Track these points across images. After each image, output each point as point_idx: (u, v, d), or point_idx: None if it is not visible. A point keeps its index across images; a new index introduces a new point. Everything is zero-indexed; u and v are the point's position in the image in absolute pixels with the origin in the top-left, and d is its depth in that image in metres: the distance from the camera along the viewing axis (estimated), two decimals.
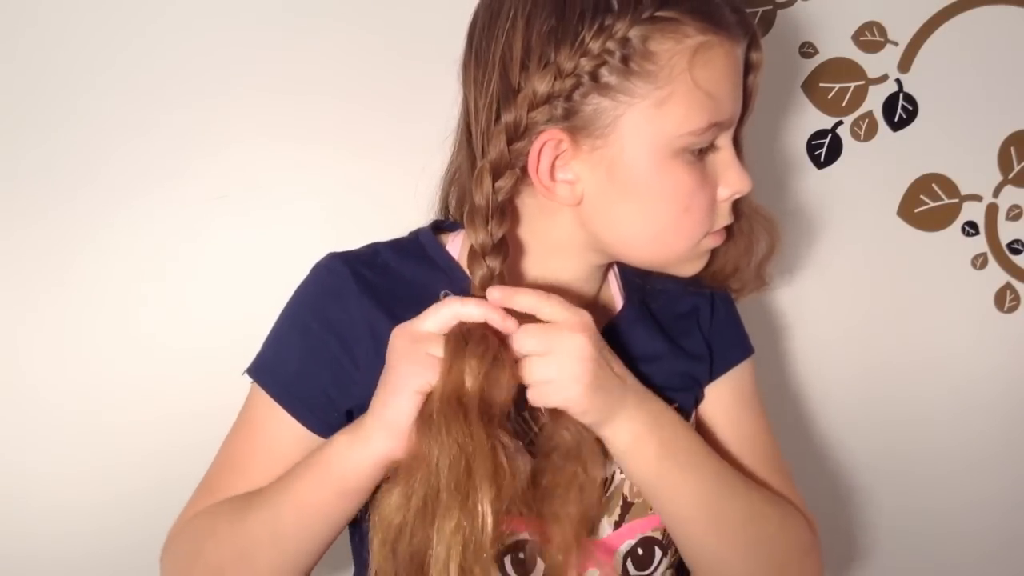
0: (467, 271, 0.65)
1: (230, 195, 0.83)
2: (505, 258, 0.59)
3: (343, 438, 0.59)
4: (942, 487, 1.06)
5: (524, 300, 0.58)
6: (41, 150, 0.79)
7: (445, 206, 0.74)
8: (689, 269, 0.66)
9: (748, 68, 0.62)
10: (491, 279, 0.58)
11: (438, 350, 0.56)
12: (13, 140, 0.78)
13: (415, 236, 0.69)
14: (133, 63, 0.79)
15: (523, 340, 0.57)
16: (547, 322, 0.58)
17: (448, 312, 0.57)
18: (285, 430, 0.64)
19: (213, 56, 0.80)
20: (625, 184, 0.59)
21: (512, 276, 0.63)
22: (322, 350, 0.64)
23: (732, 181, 0.61)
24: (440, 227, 0.71)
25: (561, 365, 0.57)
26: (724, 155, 0.61)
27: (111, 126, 0.80)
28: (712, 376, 0.73)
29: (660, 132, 0.57)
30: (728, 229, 0.67)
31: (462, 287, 0.65)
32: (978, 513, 1.07)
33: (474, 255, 0.59)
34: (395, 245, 0.68)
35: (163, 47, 0.79)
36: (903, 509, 1.06)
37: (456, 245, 0.68)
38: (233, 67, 0.81)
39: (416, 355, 0.56)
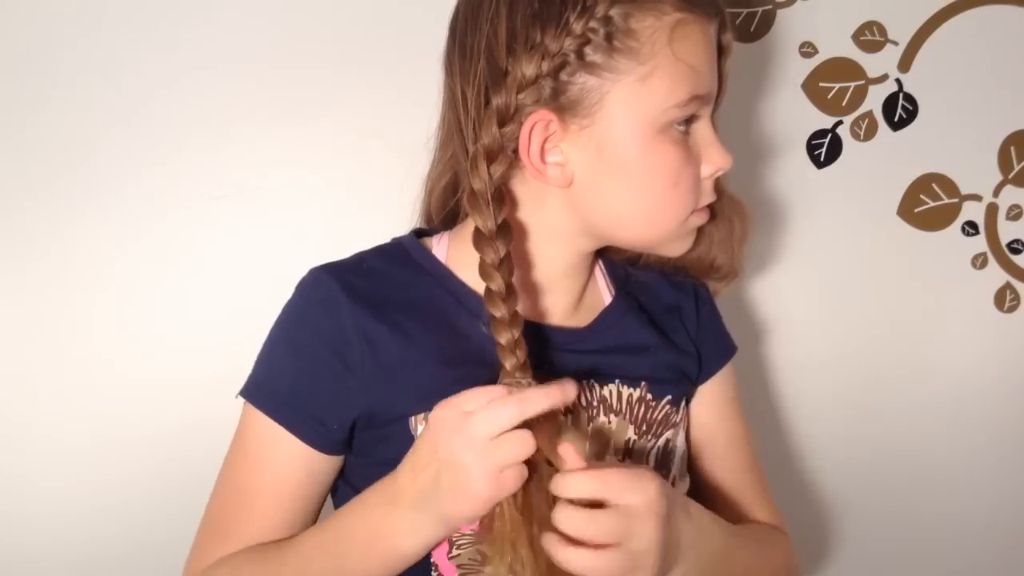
0: (455, 272, 0.66)
1: (228, 196, 0.82)
2: (509, 242, 0.59)
3: (390, 521, 0.57)
4: (940, 490, 1.04)
5: (587, 487, 0.54)
6: (38, 151, 0.79)
7: (428, 213, 0.74)
8: (678, 248, 0.67)
9: (720, 51, 0.64)
10: (499, 263, 0.59)
11: (511, 452, 0.53)
12: (11, 141, 0.78)
13: (397, 242, 0.69)
14: (131, 63, 0.79)
15: (591, 527, 0.53)
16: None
17: (513, 413, 0.53)
18: (286, 451, 0.63)
19: (211, 56, 0.80)
20: (614, 162, 0.60)
21: (518, 259, 0.63)
22: (315, 363, 0.63)
23: (714, 158, 0.62)
24: (422, 234, 0.71)
25: (634, 559, 0.54)
26: (705, 133, 0.62)
27: (108, 126, 0.80)
28: (700, 379, 0.74)
29: (646, 107, 0.59)
30: (711, 214, 0.68)
31: (450, 288, 0.65)
32: (977, 516, 1.05)
33: (481, 237, 0.59)
34: (378, 252, 0.68)
35: (161, 47, 0.79)
36: (901, 511, 1.04)
37: (442, 248, 0.67)
38: (231, 67, 0.81)
39: (488, 462, 0.53)
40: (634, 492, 0.54)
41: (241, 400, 0.65)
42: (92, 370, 0.82)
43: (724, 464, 0.76)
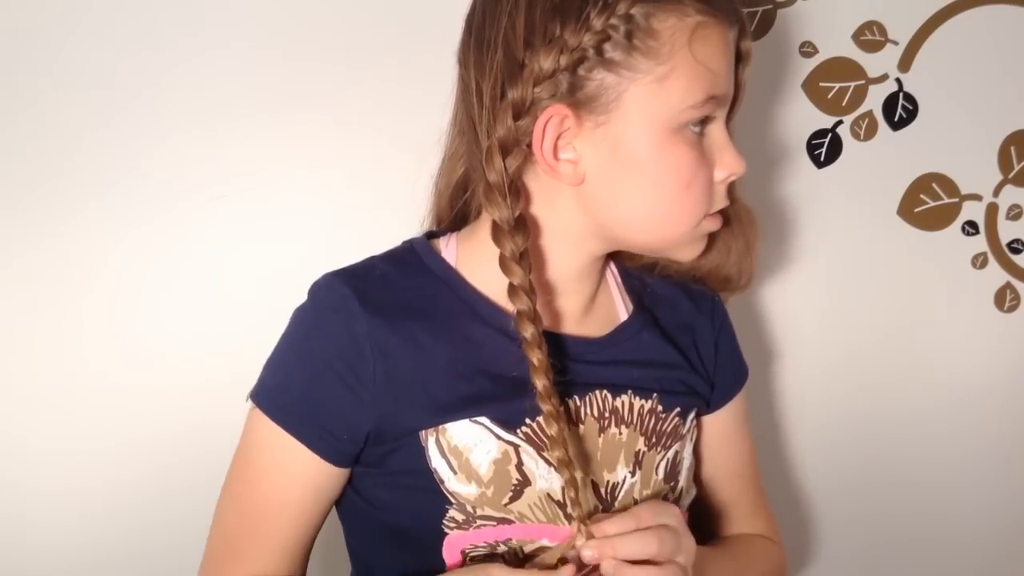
0: (465, 278, 0.64)
1: (229, 195, 0.81)
2: (527, 237, 0.58)
3: None
4: (940, 490, 1.04)
5: (617, 533, 0.57)
6: (30, 149, 0.77)
7: (438, 213, 0.72)
8: (688, 253, 0.65)
9: (739, 58, 0.63)
10: (520, 256, 0.58)
11: None
12: (10, 141, 0.77)
13: (409, 245, 0.68)
14: (129, 57, 0.77)
15: (652, 542, 0.57)
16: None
17: None
18: (294, 461, 0.61)
19: (212, 50, 0.79)
20: (628, 161, 0.59)
21: (535, 256, 0.62)
22: (326, 373, 0.61)
23: (728, 162, 0.62)
24: (434, 236, 0.69)
25: (684, 572, 0.58)
26: (719, 137, 0.62)
27: (104, 123, 0.78)
28: (712, 404, 0.74)
29: (663, 107, 0.58)
30: (727, 222, 0.67)
31: (463, 296, 0.64)
32: (978, 516, 1.05)
33: (499, 231, 0.58)
34: (390, 258, 0.66)
35: (161, 41, 0.78)
36: (900, 512, 1.04)
37: (451, 251, 0.66)
38: (232, 61, 0.79)
39: None
40: (667, 516, 0.59)
41: (246, 404, 0.64)
42: (90, 373, 0.81)
43: (728, 481, 0.77)
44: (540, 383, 0.57)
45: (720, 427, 0.75)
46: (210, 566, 0.64)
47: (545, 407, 0.58)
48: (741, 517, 0.78)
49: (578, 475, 0.59)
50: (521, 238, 0.58)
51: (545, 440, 0.61)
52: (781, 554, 0.79)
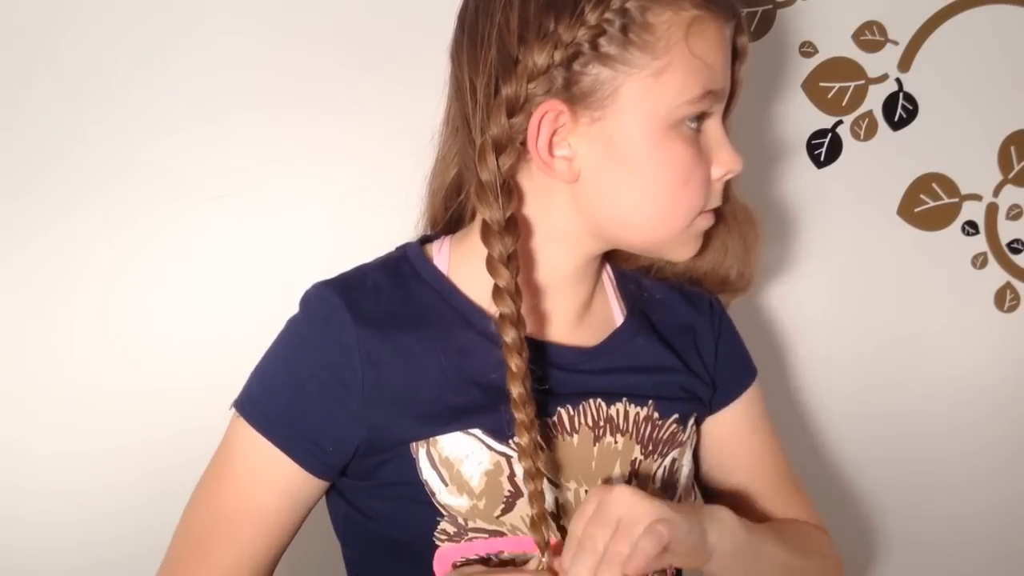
0: (457, 285, 0.63)
1: (229, 195, 0.80)
2: (517, 238, 0.57)
3: None
4: (941, 490, 1.03)
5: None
6: (33, 150, 0.77)
7: (433, 215, 0.71)
8: (684, 252, 0.64)
9: (735, 55, 0.62)
10: (508, 258, 0.57)
11: None
12: (6, 139, 0.76)
13: (402, 252, 0.66)
14: (127, 55, 0.77)
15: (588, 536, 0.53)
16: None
17: None
18: (276, 472, 0.60)
19: (209, 52, 0.78)
20: (624, 158, 0.58)
21: (522, 260, 0.61)
22: (315, 383, 0.60)
23: (724, 160, 0.61)
24: (428, 240, 0.68)
25: (632, 520, 0.53)
26: (716, 134, 0.61)
27: (101, 122, 0.77)
28: (716, 405, 0.72)
29: (659, 103, 0.56)
30: (723, 220, 0.66)
31: (455, 305, 0.62)
32: (978, 517, 1.04)
33: (489, 231, 0.57)
34: (384, 266, 0.65)
35: (158, 43, 0.77)
36: (900, 512, 1.03)
37: (443, 257, 0.65)
38: (230, 62, 0.79)
39: None
40: (611, 517, 0.54)
41: (230, 412, 0.63)
42: (89, 374, 0.80)
43: (754, 478, 0.74)
44: (516, 390, 0.56)
45: (731, 426, 0.73)
46: (172, 566, 0.63)
47: (519, 415, 0.56)
48: (776, 508, 0.74)
49: (546, 488, 0.58)
50: (511, 239, 0.57)
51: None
52: (829, 542, 0.75)
